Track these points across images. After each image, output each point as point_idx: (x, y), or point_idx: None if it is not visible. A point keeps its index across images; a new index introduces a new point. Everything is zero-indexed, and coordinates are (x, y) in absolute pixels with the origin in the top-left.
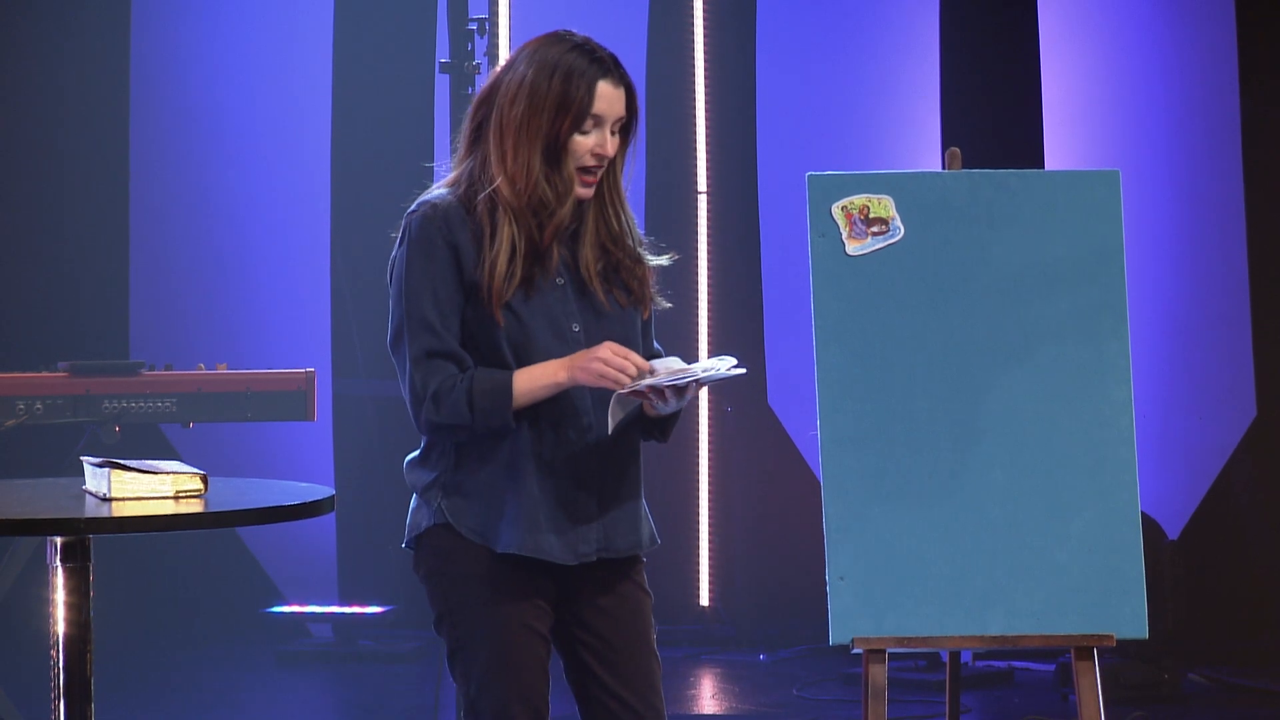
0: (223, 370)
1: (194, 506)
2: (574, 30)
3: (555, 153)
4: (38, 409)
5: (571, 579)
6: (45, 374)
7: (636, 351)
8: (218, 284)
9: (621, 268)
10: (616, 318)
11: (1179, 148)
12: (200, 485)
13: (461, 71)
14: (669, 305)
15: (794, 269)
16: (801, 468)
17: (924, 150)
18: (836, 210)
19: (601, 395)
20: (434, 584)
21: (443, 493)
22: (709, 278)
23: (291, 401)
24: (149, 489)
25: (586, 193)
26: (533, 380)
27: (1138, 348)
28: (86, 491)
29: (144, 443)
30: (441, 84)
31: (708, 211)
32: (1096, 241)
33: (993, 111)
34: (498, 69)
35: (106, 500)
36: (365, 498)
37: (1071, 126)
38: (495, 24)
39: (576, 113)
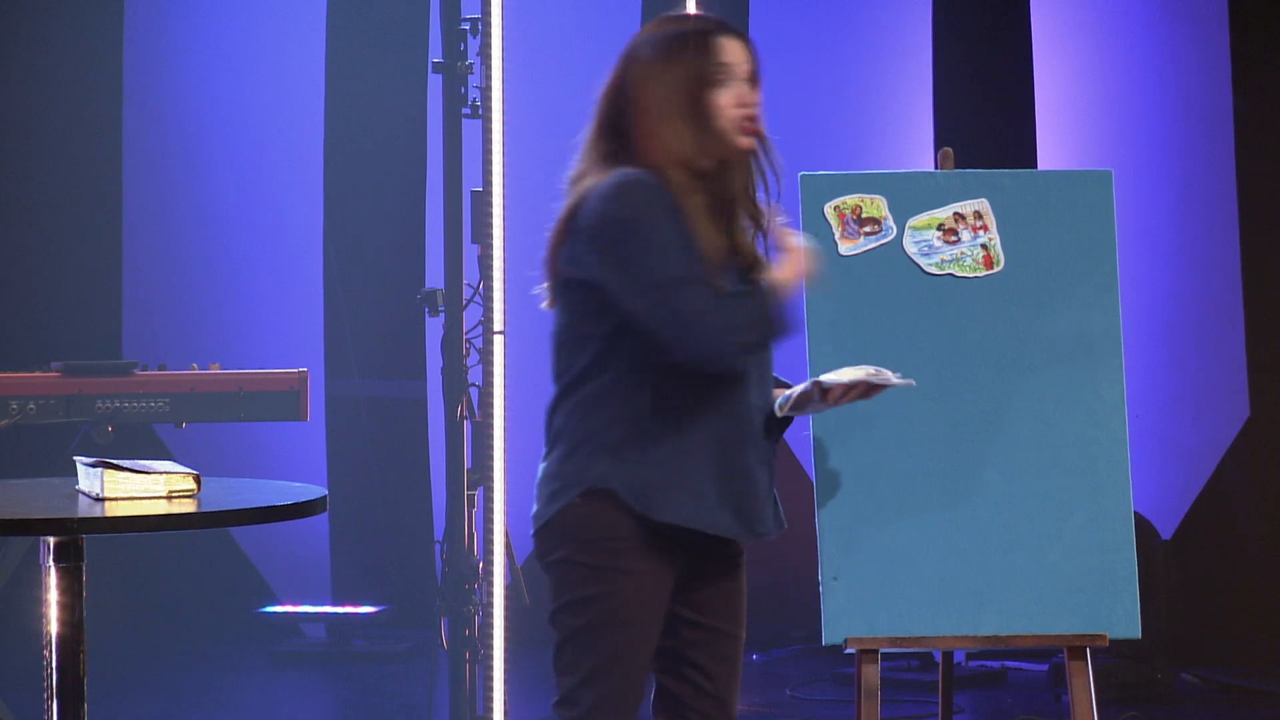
0: (215, 370)
1: (187, 506)
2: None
3: (699, 118)
4: (31, 409)
5: (706, 558)
6: (38, 374)
7: None
8: (210, 284)
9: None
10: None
11: (1172, 147)
12: (193, 485)
13: (454, 71)
14: None
15: None
16: (795, 467)
17: (916, 150)
18: (829, 210)
19: (761, 367)
20: (568, 568)
21: (609, 458)
22: None
23: (284, 401)
24: (142, 489)
25: (747, 142)
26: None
27: (1130, 347)
28: (79, 491)
29: (137, 443)
30: (434, 84)
31: None
32: (1089, 241)
33: (985, 111)
34: (623, 62)
35: (99, 500)
36: (358, 498)
37: (1064, 126)
38: (488, 24)
39: (706, 69)
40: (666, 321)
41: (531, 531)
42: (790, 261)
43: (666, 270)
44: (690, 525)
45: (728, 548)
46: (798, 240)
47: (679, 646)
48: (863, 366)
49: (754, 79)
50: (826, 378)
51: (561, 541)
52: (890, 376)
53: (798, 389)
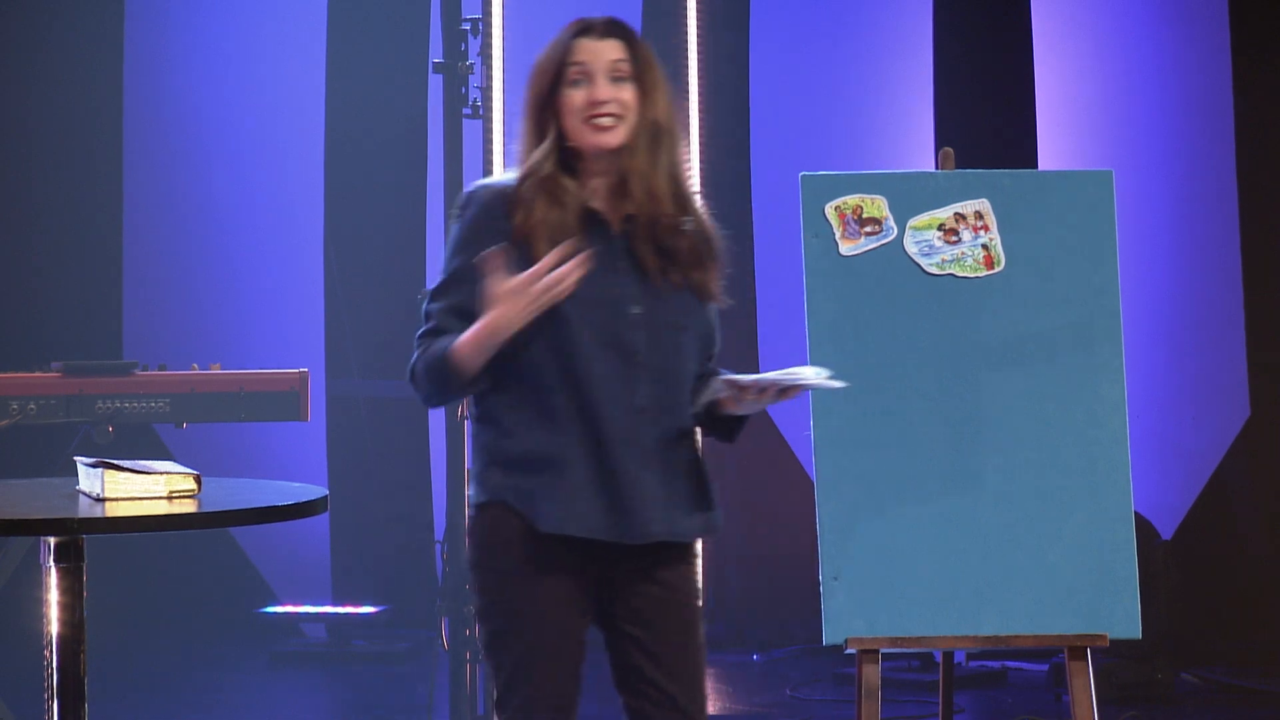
0: (216, 370)
1: (187, 507)
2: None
3: (545, 117)
4: (31, 409)
5: (622, 567)
6: (39, 374)
7: (705, 343)
8: (211, 284)
9: (674, 245)
10: (677, 303)
11: (1173, 147)
12: (193, 485)
13: (455, 72)
14: (730, 302)
15: (787, 269)
16: (795, 468)
17: (917, 150)
18: (830, 210)
19: (657, 371)
20: (487, 570)
21: (502, 471)
22: None
23: (285, 402)
24: (142, 489)
25: (601, 138)
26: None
27: (1131, 347)
28: (80, 492)
29: (137, 443)
30: (435, 84)
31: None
32: (1090, 241)
33: (986, 111)
34: None
35: (100, 500)
36: (358, 498)
37: (1065, 126)
38: (489, 24)
39: (555, 70)
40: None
41: None
42: (500, 300)
43: (426, 308)
44: (564, 532)
45: (656, 553)
46: (508, 283)
47: (627, 661)
48: (792, 370)
49: (629, 78)
50: (741, 377)
51: (473, 547)
52: (808, 377)
53: (713, 388)
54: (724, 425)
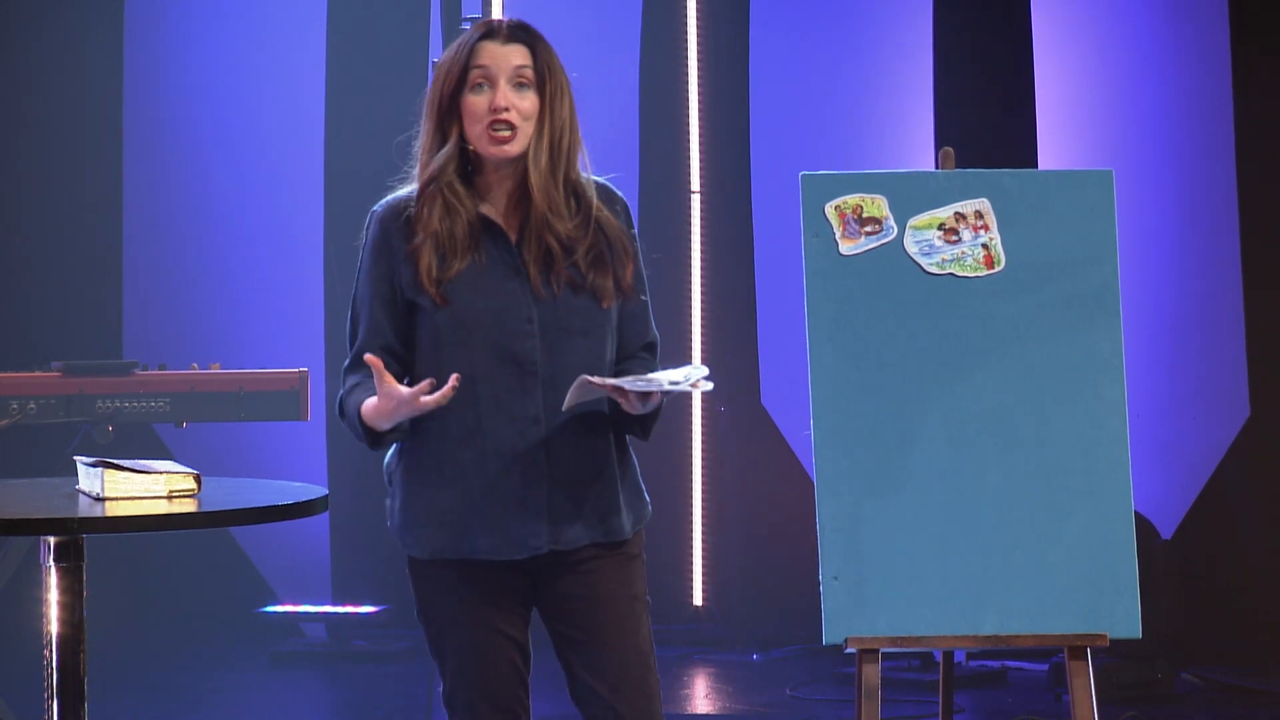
0: (216, 370)
1: (187, 506)
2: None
3: (447, 124)
4: (31, 409)
5: (549, 575)
6: (39, 374)
7: (603, 340)
8: (211, 284)
9: (570, 251)
10: (574, 308)
11: (1173, 147)
12: (193, 485)
13: None
14: (644, 298)
15: (787, 268)
16: (795, 467)
17: (917, 149)
18: (830, 210)
19: (553, 379)
20: (410, 579)
21: (397, 494)
22: (702, 277)
23: (284, 401)
24: (142, 489)
25: (499, 149)
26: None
27: (1131, 347)
28: (80, 491)
29: (137, 442)
30: None
31: (701, 211)
32: (1090, 241)
33: (986, 111)
34: None
35: (100, 500)
36: (358, 498)
37: (1065, 126)
38: None
39: (459, 73)
40: None
41: None
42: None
43: (348, 336)
44: (434, 557)
45: (581, 557)
46: (389, 392)
47: (568, 670)
48: (662, 373)
49: (532, 85)
50: (596, 379)
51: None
52: (663, 382)
53: (575, 385)
54: (636, 422)
